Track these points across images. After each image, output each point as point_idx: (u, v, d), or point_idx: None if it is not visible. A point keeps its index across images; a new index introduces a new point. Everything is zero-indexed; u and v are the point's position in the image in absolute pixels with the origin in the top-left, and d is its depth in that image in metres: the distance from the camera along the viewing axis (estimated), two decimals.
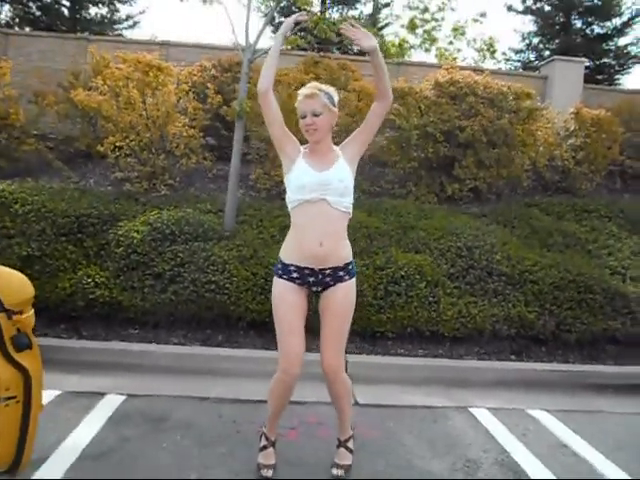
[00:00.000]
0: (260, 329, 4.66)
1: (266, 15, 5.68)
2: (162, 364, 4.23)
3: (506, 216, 6.41)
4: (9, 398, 1.83)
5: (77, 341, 4.47)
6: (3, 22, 13.78)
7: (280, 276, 2.73)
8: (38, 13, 14.14)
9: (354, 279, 2.81)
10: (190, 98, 7.06)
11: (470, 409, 3.93)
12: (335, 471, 2.81)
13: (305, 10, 6.36)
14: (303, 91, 2.68)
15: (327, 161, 2.71)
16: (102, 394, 3.70)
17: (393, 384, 4.28)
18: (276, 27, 14.11)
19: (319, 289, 2.75)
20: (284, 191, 2.84)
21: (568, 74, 9.57)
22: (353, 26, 2.66)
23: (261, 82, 2.66)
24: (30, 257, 4.65)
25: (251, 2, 5.53)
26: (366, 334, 4.80)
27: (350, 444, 2.92)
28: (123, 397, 3.69)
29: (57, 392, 3.67)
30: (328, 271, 2.69)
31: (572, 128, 7.75)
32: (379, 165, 7.70)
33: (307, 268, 2.67)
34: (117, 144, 6.59)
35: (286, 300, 2.70)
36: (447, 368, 4.56)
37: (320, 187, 2.64)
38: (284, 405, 2.84)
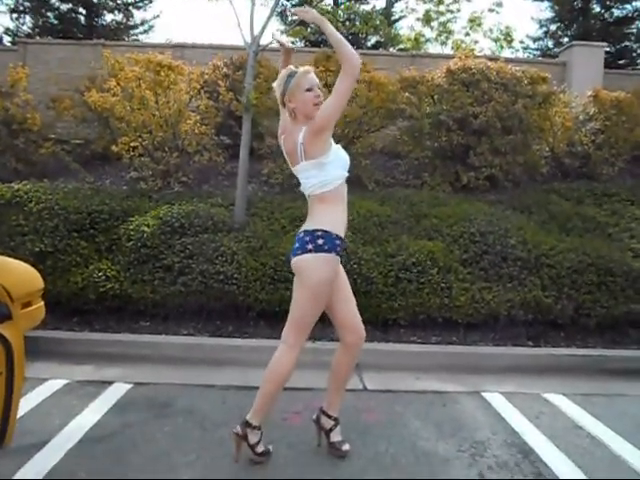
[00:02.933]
0: (270, 319, 4.63)
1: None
2: (170, 354, 4.24)
3: (523, 202, 6.27)
4: None
5: (88, 334, 4.51)
6: (25, 33, 14.21)
7: (338, 252, 2.59)
8: (56, 22, 14.51)
9: None
10: (202, 96, 7.13)
11: (482, 394, 3.82)
12: (346, 446, 2.80)
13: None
14: (302, 68, 2.66)
15: None
16: (109, 383, 3.73)
17: (403, 371, 4.20)
18: (284, 21, 14.15)
19: None
20: (298, 184, 2.77)
21: (587, 59, 9.32)
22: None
23: None
24: (43, 253, 4.72)
25: None
26: (377, 322, 4.72)
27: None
28: (130, 385, 3.70)
29: (65, 381, 3.71)
30: None
31: (591, 112, 7.53)
32: (392, 157, 7.64)
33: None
34: (131, 144, 6.68)
35: (334, 280, 2.64)
36: (460, 354, 4.46)
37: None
38: None
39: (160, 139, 6.65)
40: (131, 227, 4.92)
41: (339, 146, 2.74)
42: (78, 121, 7.78)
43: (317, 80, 2.67)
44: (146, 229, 4.84)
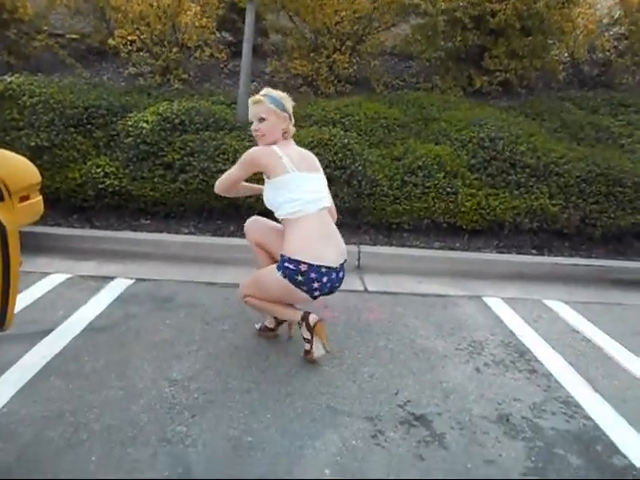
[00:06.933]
0: (271, 218, 4.56)
1: None
2: (172, 252, 4.22)
3: (536, 109, 6.04)
4: None
5: (90, 230, 4.48)
6: None
7: None
8: None
9: (281, 276, 2.54)
10: None
11: (483, 298, 3.84)
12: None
13: None
14: (251, 98, 2.74)
15: None
16: (111, 278, 3.73)
17: (405, 274, 4.21)
18: None
19: None
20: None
21: None
22: None
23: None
24: (40, 148, 4.58)
25: None
26: (381, 225, 4.68)
27: (302, 331, 2.70)
28: (131, 281, 3.71)
29: (67, 275, 3.72)
30: None
31: (617, 15, 7.08)
32: (403, 59, 7.30)
33: None
34: (129, 38, 6.36)
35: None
36: (463, 260, 4.43)
37: None
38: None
39: (159, 32, 6.30)
40: (129, 123, 4.75)
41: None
42: (72, 12, 7.33)
43: (259, 110, 2.67)
44: (145, 125, 4.68)
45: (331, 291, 2.65)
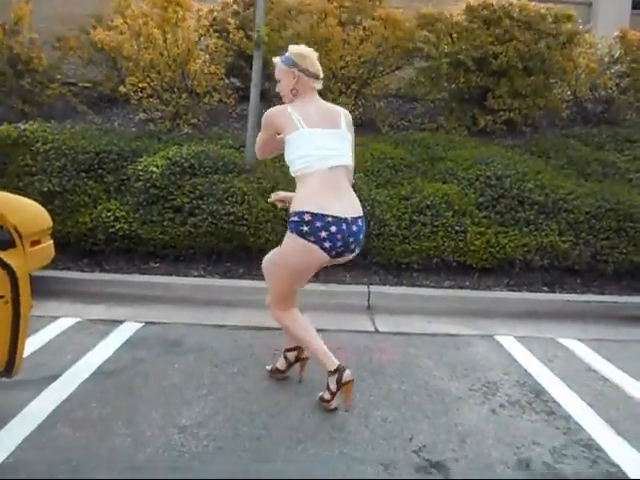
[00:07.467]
0: None
1: None
2: (181, 295, 4.21)
3: (541, 146, 6.07)
4: None
5: (99, 274, 4.49)
6: None
7: None
8: None
9: (290, 233, 2.52)
10: (212, 35, 6.88)
11: (495, 337, 3.78)
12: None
13: None
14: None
15: None
16: (120, 321, 3.72)
17: (416, 314, 4.16)
18: None
19: None
20: None
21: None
22: None
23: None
24: (52, 193, 4.65)
25: None
26: (390, 266, 4.66)
27: (330, 379, 2.59)
28: (141, 324, 3.69)
29: (76, 319, 3.71)
30: None
31: (617, 54, 7.20)
32: (407, 101, 7.41)
33: None
34: (139, 85, 6.52)
35: None
36: (473, 299, 4.39)
37: None
38: None
39: (169, 79, 6.46)
40: (140, 167, 4.82)
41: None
42: (85, 62, 7.56)
43: (275, 72, 2.74)
44: (155, 169, 4.74)
45: (346, 247, 2.53)
